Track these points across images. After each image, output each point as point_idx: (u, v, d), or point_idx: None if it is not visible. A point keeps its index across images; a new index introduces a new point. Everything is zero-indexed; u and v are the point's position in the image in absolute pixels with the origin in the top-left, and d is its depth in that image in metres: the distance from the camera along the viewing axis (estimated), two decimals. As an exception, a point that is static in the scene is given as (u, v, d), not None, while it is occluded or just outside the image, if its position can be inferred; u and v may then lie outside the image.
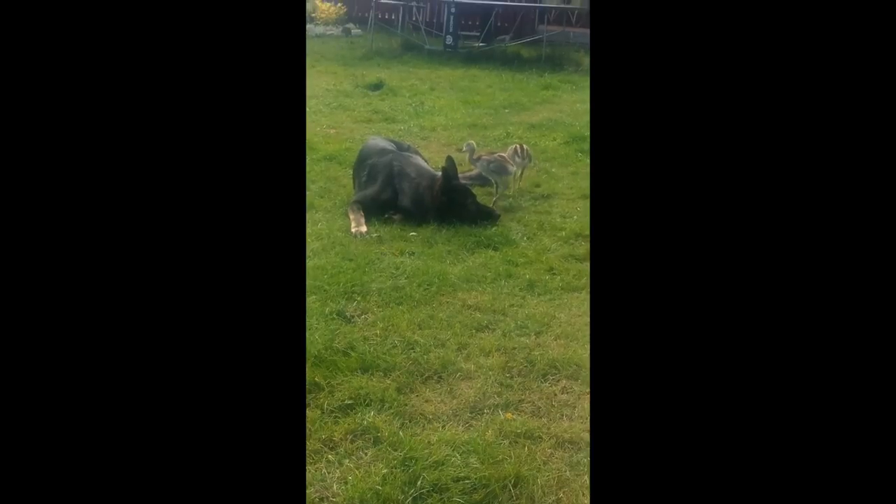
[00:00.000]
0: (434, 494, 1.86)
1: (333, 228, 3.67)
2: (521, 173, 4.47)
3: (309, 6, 13.74)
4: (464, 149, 4.34)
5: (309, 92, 7.28)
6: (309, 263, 3.19)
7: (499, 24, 12.45)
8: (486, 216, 3.85)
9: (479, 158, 4.23)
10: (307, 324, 2.64)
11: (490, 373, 2.42)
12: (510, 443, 2.07)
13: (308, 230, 3.61)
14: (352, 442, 2.06)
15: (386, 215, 3.86)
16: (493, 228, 3.75)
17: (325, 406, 2.20)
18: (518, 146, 4.45)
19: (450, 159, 4.04)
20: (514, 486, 1.90)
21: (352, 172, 4.34)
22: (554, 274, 3.25)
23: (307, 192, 4.18)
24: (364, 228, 3.65)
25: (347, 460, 1.98)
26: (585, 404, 2.23)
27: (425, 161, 4.31)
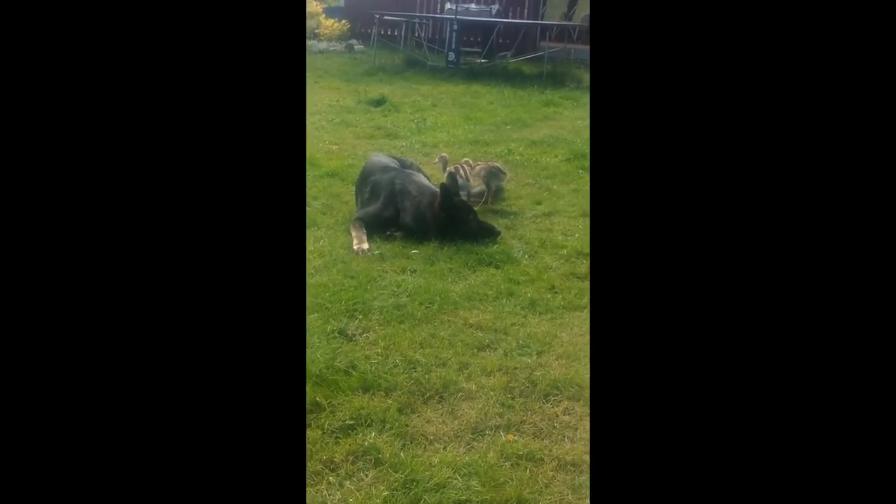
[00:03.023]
0: (435, 517, 1.85)
1: (336, 245, 3.67)
2: (490, 190, 4.50)
3: (312, 22, 13.83)
4: (436, 161, 4.40)
5: (311, 108, 7.32)
6: (311, 281, 3.19)
7: (500, 40, 12.50)
8: (487, 233, 3.86)
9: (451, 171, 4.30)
10: (309, 342, 2.64)
11: (491, 393, 2.41)
12: (512, 465, 2.06)
13: (310, 247, 3.61)
14: (353, 463, 2.05)
15: (387, 233, 3.86)
16: (495, 246, 3.75)
17: (327, 426, 2.19)
18: (487, 163, 4.56)
19: (451, 176, 4.05)
20: (516, 509, 1.89)
21: (354, 189, 4.35)
22: (556, 293, 3.25)
23: (309, 209, 4.19)
24: (366, 246, 3.65)
25: (348, 482, 1.97)
26: (587, 426, 2.22)
27: (427, 178, 4.32)
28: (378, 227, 3.89)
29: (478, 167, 4.52)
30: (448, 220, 3.83)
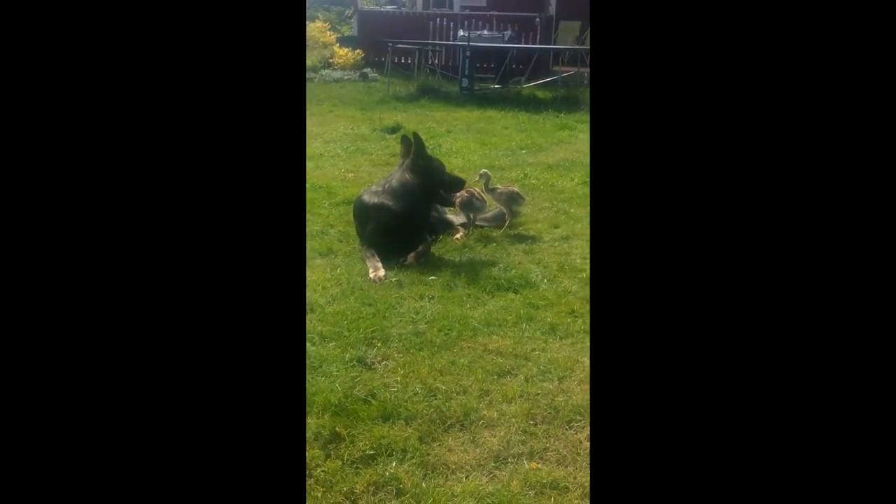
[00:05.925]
0: (459, 549, 1.81)
1: (353, 273, 3.66)
2: (510, 214, 4.52)
3: (326, 52, 14.01)
4: (477, 178, 4.54)
5: (327, 136, 7.38)
6: (329, 309, 3.18)
7: (514, 66, 12.58)
8: (458, 184, 4.25)
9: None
10: (327, 371, 2.63)
11: (513, 420, 2.38)
12: (536, 493, 2.02)
13: (327, 275, 3.61)
14: (374, 494, 2.01)
15: (401, 261, 3.83)
16: (513, 271, 3.73)
17: (346, 457, 2.16)
18: (506, 188, 4.61)
19: (416, 135, 4.25)
20: (542, 539, 1.85)
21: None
22: (576, 317, 3.21)
23: (326, 237, 4.19)
24: (382, 273, 3.64)
25: (370, 513, 1.93)
26: (612, 452, 2.17)
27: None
28: (386, 243, 3.90)
29: (496, 191, 4.52)
30: (421, 175, 4.11)
